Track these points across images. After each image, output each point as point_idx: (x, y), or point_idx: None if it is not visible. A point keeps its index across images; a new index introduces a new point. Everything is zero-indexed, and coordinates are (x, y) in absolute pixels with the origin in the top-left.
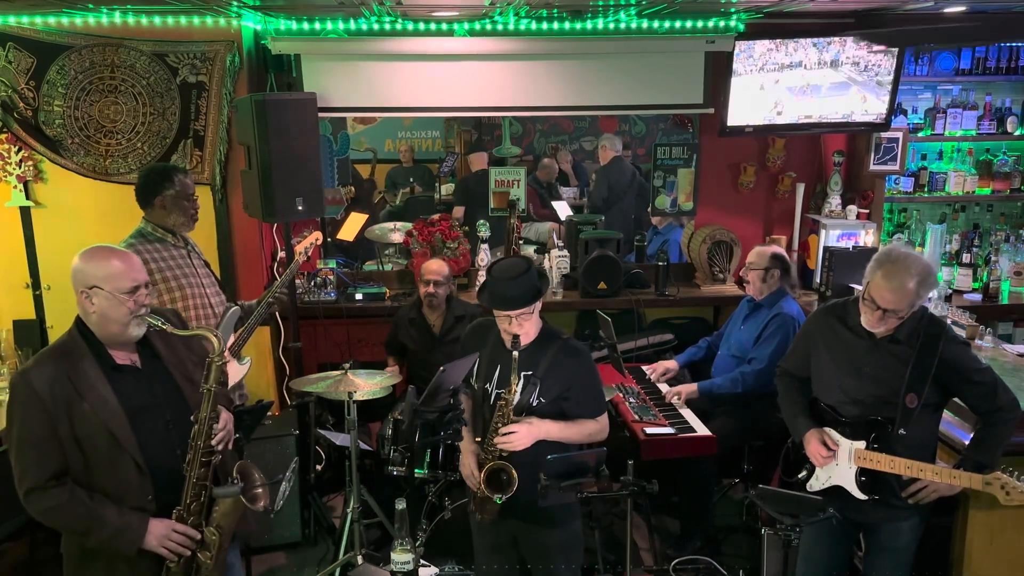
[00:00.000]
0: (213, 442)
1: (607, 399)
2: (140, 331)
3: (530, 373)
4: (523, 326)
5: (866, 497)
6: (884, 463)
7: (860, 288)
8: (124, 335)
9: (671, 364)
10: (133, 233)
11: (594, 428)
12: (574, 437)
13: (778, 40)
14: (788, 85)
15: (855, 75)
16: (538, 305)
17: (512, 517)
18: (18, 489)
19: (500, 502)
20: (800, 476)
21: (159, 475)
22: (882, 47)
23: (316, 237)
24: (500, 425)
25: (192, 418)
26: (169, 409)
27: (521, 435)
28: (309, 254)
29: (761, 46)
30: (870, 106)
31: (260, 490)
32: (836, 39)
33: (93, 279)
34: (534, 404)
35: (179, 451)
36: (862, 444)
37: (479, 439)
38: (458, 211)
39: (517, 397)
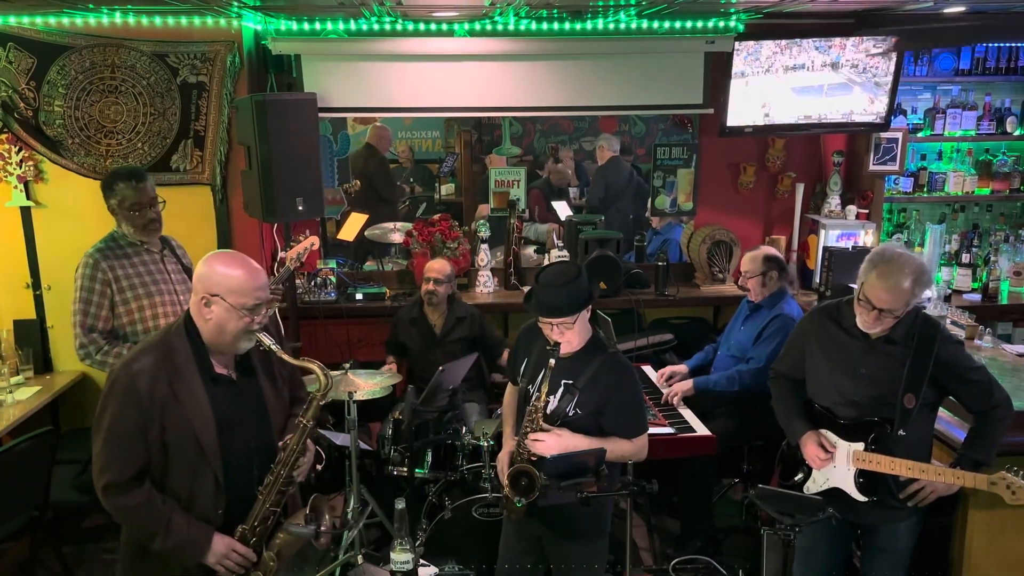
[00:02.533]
0: (295, 474)
1: None
2: (248, 346)
3: (571, 382)
4: (564, 335)
5: (865, 498)
6: (884, 464)
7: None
8: (233, 347)
9: (680, 368)
10: (105, 237)
11: (628, 449)
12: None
13: (783, 42)
14: (792, 86)
15: (855, 76)
16: (584, 315)
17: (539, 522)
18: (96, 480)
19: (520, 506)
20: (797, 479)
21: (233, 490)
22: (882, 48)
23: (311, 242)
24: (529, 430)
25: (280, 445)
26: (253, 425)
27: (548, 444)
28: (303, 260)
29: (768, 48)
30: (870, 106)
31: (325, 527)
32: (837, 40)
33: (216, 288)
34: (570, 414)
35: (256, 471)
36: (860, 446)
37: (518, 438)
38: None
39: (554, 404)
